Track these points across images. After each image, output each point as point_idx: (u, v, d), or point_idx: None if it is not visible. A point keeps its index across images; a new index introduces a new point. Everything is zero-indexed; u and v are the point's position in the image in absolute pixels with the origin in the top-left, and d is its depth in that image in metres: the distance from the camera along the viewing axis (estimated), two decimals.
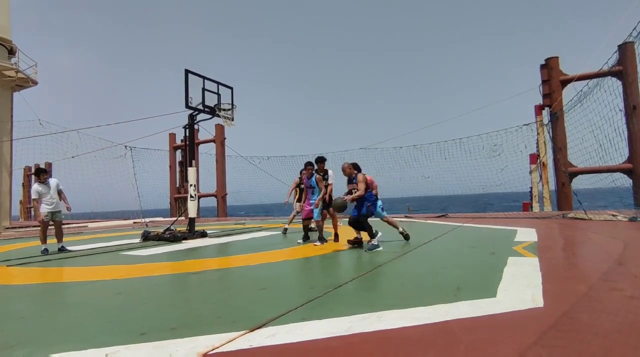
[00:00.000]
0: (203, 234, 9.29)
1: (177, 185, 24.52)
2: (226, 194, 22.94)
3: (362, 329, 2.43)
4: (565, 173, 13.25)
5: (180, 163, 24.19)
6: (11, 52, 19.19)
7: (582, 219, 9.76)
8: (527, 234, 7.17)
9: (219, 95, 10.15)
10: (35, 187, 7.31)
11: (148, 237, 8.95)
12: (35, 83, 19.98)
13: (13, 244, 9.47)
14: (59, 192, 7.52)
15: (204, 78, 9.73)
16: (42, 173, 7.46)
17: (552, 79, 13.97)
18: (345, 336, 2.33)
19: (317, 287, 3.61)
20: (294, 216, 9.79)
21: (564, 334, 2.22)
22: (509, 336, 2.23)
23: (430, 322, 2.50)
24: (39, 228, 7.47)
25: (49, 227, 7.52)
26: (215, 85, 10.09)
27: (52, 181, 7.49)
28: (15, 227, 17.87)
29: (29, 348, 2.32)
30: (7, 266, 5.87)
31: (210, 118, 10.19)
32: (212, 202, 23.62)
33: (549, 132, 13.86)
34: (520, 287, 3.32)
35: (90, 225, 17.06)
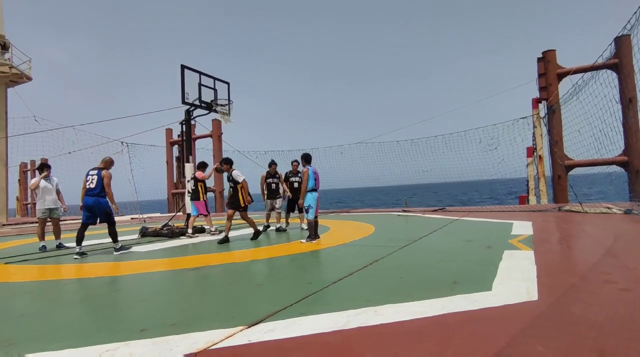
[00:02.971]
0: (201, 230, 9.29)
1: (175, 180, 24.46)
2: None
3: (359, 323, 2.46)
4: (562, 166, 13.31)
5: (178, 158, 24.11)
6: (4, 47, 18.99)
7: (577, 212, 9.83)
8: (523, 228, 7.21)
9: (215, 90, 10.13)
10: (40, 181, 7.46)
11: (146, 234, 8.97)
12: (29, 79, 19.79)
13: (10, 241, 9.45)
14: (57, 192, 7.62)
15: (200, 73, 9.69)
16: (46, 168, 7.58)
17: (549, 72, 13.95)
18: (342, 330, 2.36)
19: (315, 283, 3.64)
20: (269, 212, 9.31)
21: (558, 327, 2.26)
22: (503, 328, 2.27)
23: (426, 316, 2.53)
24: (37, 225, 7.52)
25: (47, 224, 7.55)
26: (212, 80, 10.05)
27: (54, 179, 7.65)
28: (12, 224, 17.80)
29: (28, 345, 2.34)
30: (6, 263, 5.87)
31: (207, 113, 10.17)
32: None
33: (545, 125, 13.87)
34: (516, 280, 3.36)
35: None
